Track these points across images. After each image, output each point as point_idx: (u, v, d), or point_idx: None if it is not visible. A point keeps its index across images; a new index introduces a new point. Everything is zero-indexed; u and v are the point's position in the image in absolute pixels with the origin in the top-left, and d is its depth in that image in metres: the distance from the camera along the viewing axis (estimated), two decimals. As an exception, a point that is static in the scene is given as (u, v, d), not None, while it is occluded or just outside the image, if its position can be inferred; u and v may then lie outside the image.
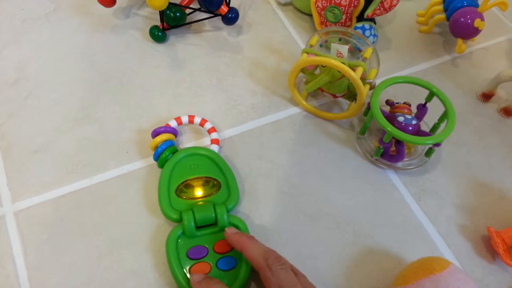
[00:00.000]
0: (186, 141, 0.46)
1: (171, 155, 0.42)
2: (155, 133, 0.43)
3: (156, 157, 0.42)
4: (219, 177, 0.42)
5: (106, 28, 0.54)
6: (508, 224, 0.43)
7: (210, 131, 0.46)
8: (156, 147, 0.42)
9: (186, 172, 0.41)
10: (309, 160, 0.46)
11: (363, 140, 0.47)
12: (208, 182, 0.41)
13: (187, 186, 0.41)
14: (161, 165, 0.42)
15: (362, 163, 0.46)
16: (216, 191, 0.41)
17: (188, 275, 0.36)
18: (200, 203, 0.40)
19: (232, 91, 0.51)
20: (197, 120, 0.46)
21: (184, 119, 0.46)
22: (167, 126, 0.44)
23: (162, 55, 0.53)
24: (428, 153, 0.45)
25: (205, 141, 0.46)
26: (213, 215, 0.38)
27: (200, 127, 0.47)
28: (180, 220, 0.38)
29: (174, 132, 0.44)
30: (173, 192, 0.40)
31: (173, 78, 0.51)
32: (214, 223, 0.39)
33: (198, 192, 0.41)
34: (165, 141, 0.43)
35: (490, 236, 0.41)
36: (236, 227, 0.39)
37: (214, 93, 0.50)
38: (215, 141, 0.45)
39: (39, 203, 0.41)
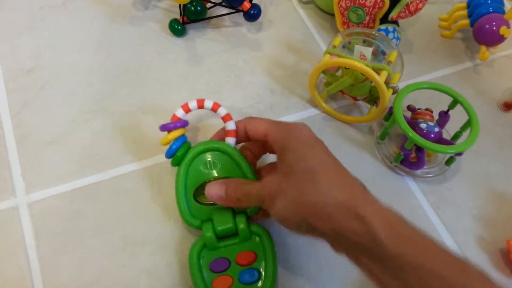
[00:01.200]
0: (197, 132, 0.45)
1: (185, 151, 0.39)
2: (164, 129, 0.39)
3: (170, 156, 0.39)
4: (238, 175, 0.39)
5: (124, 19, 0.53)
6: (527, 238, 0.42)
7: (225, 119, 0.39)
8: (167, 144, 0.39)
9: (203, 171, 0.39)
10: (327, 163, 0.45)
11: (383, 145, 0.46)
12: None
13: (204, 187, 0.38)
14: (176, 164, 0.39)
15: (380, 168, 0.46)
16: None
17: None
18: (221, 209, 0.38)
19: (250, 89, 0.50)
20: (208, 104, 0.40)
21: (192, 105, 0.40)
22: (176, 120, 0.39)
23: (180, 49, 0.52)
24: (449, 161, 0.45)
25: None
26: (234, 225, 0.36)
27: (213, 112, 0.40)
28: (201, 227, 0.37)
29: (184, 124, 0.40)
30: (191, 196, 0.39)
31: (190, 73, 0.50)
32: (236, 233, 0.37)
33: None
34: (178, 137, 0.39)
35: (509, 250, 0.41)
36: (259, 236, 0.37)
37: (232, 90, 0.49)
38: (231, 133, 0.39)
39: (53, 196, 0.40)
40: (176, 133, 0.39)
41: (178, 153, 0.39)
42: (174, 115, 0.40)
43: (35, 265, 0.37)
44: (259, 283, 0.36)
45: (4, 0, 0.53)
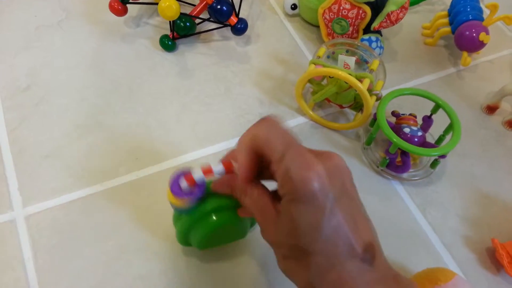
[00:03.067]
0: None
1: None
2: (176, 194, 0.32)
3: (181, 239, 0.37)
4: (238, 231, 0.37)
5: (117, 36, 0.55)
6: (512, 236, 0.43)
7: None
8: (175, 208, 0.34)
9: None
10: (316, 170, 0.47)
11: (369, 151, 0.48)
12: None
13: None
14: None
15: (367, 173, 0.47)
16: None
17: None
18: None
19: (240, 100, 0.51)
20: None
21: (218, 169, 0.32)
22: (191, 188, 0.32)
23: (171, 63, 0.54)
24: (434, 164, 0.46)
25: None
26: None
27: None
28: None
29: (197, 193, 0.32)
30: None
31: (182, 86, 0.52)
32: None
33: None
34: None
35: (495, 248, 0.42)
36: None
37: (222, 102, 0.51)
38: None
39: (50, 208, 0.42)
40: (184, 201, 0.33)
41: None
42: (188, 172, 0.32)
43: (33, 277, 0.38)
44: None
45: (0, 21, 0.55)
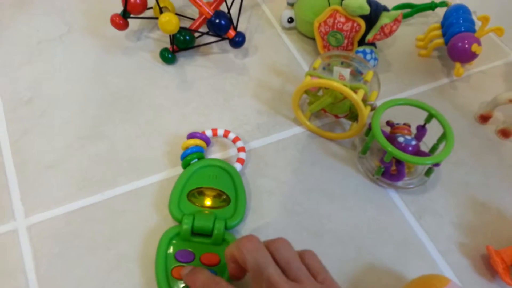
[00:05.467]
0: (216, 152, 0.49)
1: (196, 159, 0.45)
2: (190, 136, 0.47)
3: (182, 157, 0.45)
4: (231, 194, 0.43)
5: (118, 49, 0.57)
6: (507, 243, 0.44)
7: (239, 150, 0.48)
8: (186, 148, 0.45)
9: (204, 180, 0.44)
10: (312, 178, 0.47)
11: (365, 160, 0.49)
12: (220, 195, 0.43)
13: (200, 193, 0.43)
14: (184, 166, 0.45)
15: (363, 181, 0.48)
16: (225, 206, 0.43)
17: (168, 275, 0.38)
18: (206, 212, 0.42)
19: (238, 111, 0.53)
20: (231, 136, 0.48)
21: (220, 132, 0.48)
22: (203, 133, 0.47)
23: (171, 76, 0.55)
24: (428, 172, 0.47)
25: (232, 158, 0.48)
26: (211, 227, 0.40)
27: (232, 143, 0.49)
28: (180, 221, 0.40)
29: (207, 140, 0.47)
30: (185, 194, 0.43)
31: (181, 98, 0.53)
32: (210, 235, 0.40)
33: (208, 202, 0.43)
34: (196, 146, 0.46)
35: (489, 255, 0.42)
36: (227, 243, 0.40)
37: (220, 113, 0.52)
38: (240, 161, 0.47)
39: (51, 218, 0.42)
40: (196, 142, 0.46)
41: (189, 157, 0.44)
42: (203, 132, 0.48)
43: (34, 286, 0.39)
44: None
45: (3, 35, 0.56)
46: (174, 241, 0.40)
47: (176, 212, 0.41)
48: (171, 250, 0.39)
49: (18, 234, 0.41)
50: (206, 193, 0.43)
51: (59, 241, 0.41)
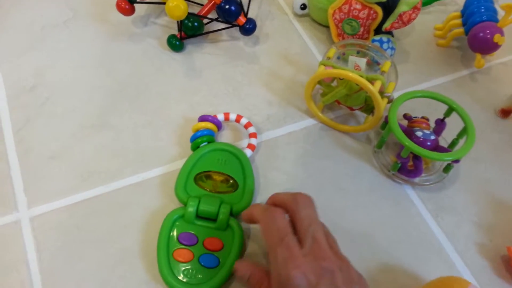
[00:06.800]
0: (227, 136, 0.48)
1: (206, 143, 0.44)
2: (202, 119, 0.45)
3: (192, 140, 0.44)
4: (240, 180, 0.42)
5: (124, 36, 0.55)
6: (528, 244, 0.42)
7: (250, 136, 0.47)
8: (196, 131, 0.44)
9: (213, 164, 0.43)
10: (325, 173, 0.46)
11: (380, 154, 0.47)
12: (227, 180, 0.42)
13: (207, 176, 0.42)
14: (194, 149, 0.44)
15: (378, 177, 0.46)
16: (232, 191, 0.42)
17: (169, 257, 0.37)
18: (212, 196, 0.41)
19: (248, 101, 0.51)
20: (243, 121, 0.47)
21: (232, 117, 0.47)
22: (215, 117, 0.46)
23: (179, 63, 0.53)
24: (447, 169, 0.45)
25: (244, 143, 0.47)
26: (216, 211, 0.39)
27: (244, 128, 0.47)
28: (185, 203, 0.39)
29: (218, 124, 0.46)
30: (193, 176, 0.42)
31: (189, 86, 0.51)
32: (215, 219, 0.39)
33: (215, 185, 0.42)
34: (206, 129, 0.44)
35: (510, 256, 0.40)
36: (231, 229, 0.39)
37: (230, 103, 0.50)
38: (251, 146, 0.45)
39: (55, 210, 0.41)
40: (207, 125, 0.45)
41: (199, 139, 0.43)
42: (215, 115, 0.46)
43: (37, 279, 0.38)
44: (215, 271, 0.37)
45: (6, 20, 0.55)
46: (177, 223, 0.39)
47: (182, 193, 0.40)
48: (174, 232, 0.39)
49: (21, 225, 0.40)
50: (214, 177, 0.42)
51: (63, 234, 0.40)
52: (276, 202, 0.36)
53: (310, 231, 0.32)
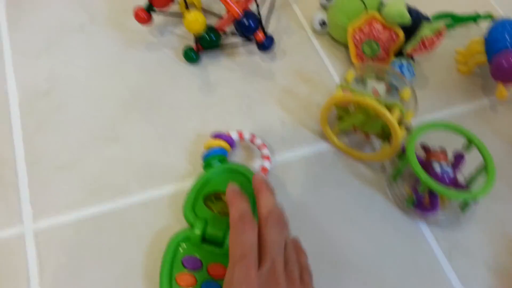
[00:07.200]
0: (239, 156, 0.47)
1: (218, 163, 0.43)
2: (215, 136, 0.45)
3: (205, 158, 0.43)
4: (250, 204, 0.41)
5: (140, 44, 0.54)
6: (543, 290, 0.40)
7: (263, 157, 0.46)
8: (209, 148, 0.44)
9: (224, 184, 0.41)
10: (335, 201, 0.44)
11: (394, 185, 0.45)
12: None
13: (217, 197, 0.41)
14: (205, 167, 0.43)
15: (391, 208, 0.45)
16: None
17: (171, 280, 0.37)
18: (220, 219, 0.39)
19: (261, 120, 0.49)
20: (258, 141, 0.46)
21: (247, 136, 0.46)
22: (228, 135, 0.45)
23: (193, 76, 0.52)
24: (463, 207, 0.43)
25: (255, 163, 0.46)
26: (222, 235, 0.38)
27: (256, 148, 0.47)
28: (192, 224, 0.39)
29: (232, 143, 0.45)
30: (202, 196, 0.41)
31: (202, 101, 0.50)
32: (221, 244, 0.38)
33: (224, 207, 0.41)
34: (220, 147, 0.43)
35: (523, 302, 0.39)
36: None
37: (242, 122, 0.49)
38: (264, 170, 0.45)
39: (60, 225, 0.40)
40: (220, 143, 0.44)
41: (211, 159, 0.43)
42: (228, 133, 0.45)
43: (37, 295, 0.37)
44: None
45: (22, 22, 0.54)
46: (182, 245, 0.38)
47: (190, 214, 0.39)
48: (178, 254, 0.38)
49: (25, 239, 0.39)
50: (224, 199, 0.41)
51: (66, 251, 0.39)
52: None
53: (272, 255, 0.32)
